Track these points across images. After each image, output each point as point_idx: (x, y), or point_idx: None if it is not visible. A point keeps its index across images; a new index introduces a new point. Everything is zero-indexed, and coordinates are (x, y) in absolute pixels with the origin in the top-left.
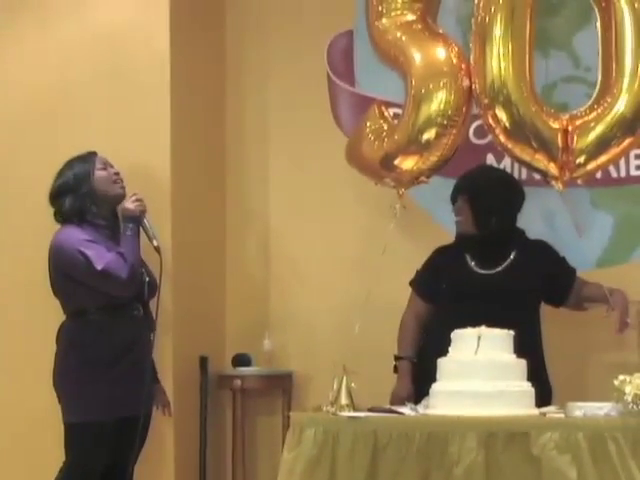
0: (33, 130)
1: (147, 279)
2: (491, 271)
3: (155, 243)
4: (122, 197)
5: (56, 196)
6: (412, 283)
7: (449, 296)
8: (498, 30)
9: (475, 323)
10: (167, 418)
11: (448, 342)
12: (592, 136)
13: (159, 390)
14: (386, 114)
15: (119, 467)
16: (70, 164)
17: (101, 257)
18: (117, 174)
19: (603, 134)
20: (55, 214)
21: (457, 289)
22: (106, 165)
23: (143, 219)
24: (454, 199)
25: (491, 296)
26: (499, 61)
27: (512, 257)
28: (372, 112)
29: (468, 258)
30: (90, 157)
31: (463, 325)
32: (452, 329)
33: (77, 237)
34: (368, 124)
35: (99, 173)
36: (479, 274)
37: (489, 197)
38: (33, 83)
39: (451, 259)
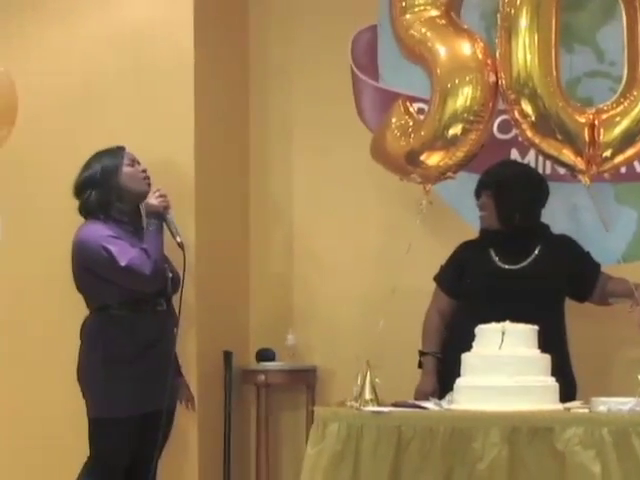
0: (57, 127)
1: (170, 275)
2: (515, 266)
3: (178, 239)
4: (147, 194)
5: (82, 188)
6: (436, 278)
7: (473, 291)
8: (524, 23)
9: (499, 318)
10: (191, 413)
11: (472, 337)
12: (619, 129)
13: (183, 385)
14: (411, 110)
15: (143, 462)
16: (98, 157)
17: (125, 253)
18: (144, 171)
19: (630, 127)
20: (80, 207)
21: (481, 284)
22: (134, 162)
23: (167, 215)
24: (478, 194)
25: (515, 291)
26: (525, 55)
27: (536, 252)
28: (397, 108)
29: (492, 253)
30: (119, 152)
31: (487, 320)
32: (476, 324)
33: (101, 233)
34: (393, 120)
35: (127, 169)
36: (503, 269)
37: (513, 192)
38: (57, 80)
39: (475, 254)
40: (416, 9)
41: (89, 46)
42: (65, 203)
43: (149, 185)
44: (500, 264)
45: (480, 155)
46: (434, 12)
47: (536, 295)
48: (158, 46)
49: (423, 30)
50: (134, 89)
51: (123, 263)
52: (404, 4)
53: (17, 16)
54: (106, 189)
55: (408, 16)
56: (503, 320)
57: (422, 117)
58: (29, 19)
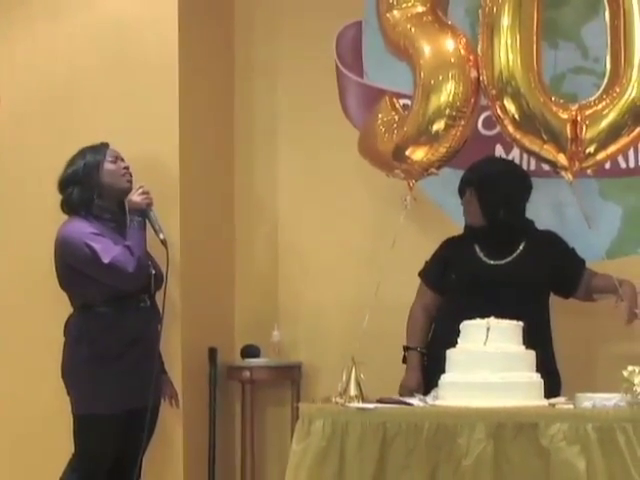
0: (42, 120)
1: (153, 272)
2: (500, 262)
3: (161, 236)
4: (128, 191)
5: (65, 185)
6: (421, 274)
7: (458, 287)
8: (506, 20)
9: (484, 314)
10: (176, 410)
11: (457, 333)
12: (602, 125)
13: (166, 381)
14: (397, 106)
15: (127, 459)
16: (82, 153)
17: (108, 250)
18: (126, 168)
19: (613, 123)
20: (62, 203)
21: (466, 280)
22: (116, 158)
23: (149, 212)
24: (462, 191)
25: (500, 287)
26: (507, 52)
27: (521, 248)
28: (384, 104)
29: (477, 249)
30: (102, 148)
31: (472, 316)
32: (461, 320)
33: (84, 230)
34: (380, 116)
35: (108, 166)
36: (488, 265)
37: (496, 188)
38: (43, 73)
39: (460, 250)
40: (403, 5)
41: (74, 43)
42: (48, 200)
43: (130, 182)
44: (485, 259)
45: (465, 151)
46: (420, 8)
47: (521, 290)
48: (143, 43)
49: (408, 26)
50: (119, 86)
51: (106, 260)
52: (391, 0)
53: (3, 13)
54: (87, 186)
55: (395, 12)
56: (488, 316)
57: (406, 113)
58: (16, 16)
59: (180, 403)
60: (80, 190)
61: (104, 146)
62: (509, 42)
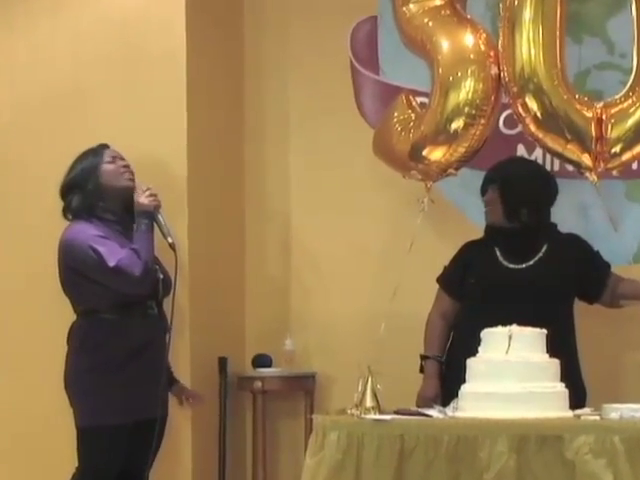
0: (44, 120)
1: (161, 276)
2: (521, 266)
3: (170, 240)
4: (131, 189)
5: (66, 192)
6: (439, 279)
7: (478, 293)
8: (528, 14)
9: (505, 321)
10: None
11: (477, 341)
12: (628, 124)
13: (181, 388)
14: (414, 104)
15: (133, 473)
16: (81, 157)
17: (113, 253)
18: (126, 167)
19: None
20: (63, 211)
21: (486, 285)
22: (115, 158)
23: (157, 215)
24: (484, 190)
25: (521, 292)
26: (529, 47)
27: (543, 251)
28: (400, 102)
29: (498, 253)
30: (100, 150)
31: (493, 323)
32: (481, 327)
33: (88, 233)
34: (396, 114)
35: (106, 166)
36: (509, 269)
37: (520, 187)
38: (45, 72)
39: (480, 254)
40: None
41: (77, 39)
42: (50, 202)
43: (132, 180)
44: (505, 263)
45: (485, 151)
46: (438, 1)
47: (542, 296)
48: (149, 38)
49: (426, 20)
50: (124, 84)
51: (112, 264)
52: None
53: (5, 8)
54: (87, 192)
55: (411, 6)
56: (509, 323)
57: (424, 111)
58: (17, 11)
59: (189, 415)
60: (80, 196)
61: (103, 147)
62: (531, 37)
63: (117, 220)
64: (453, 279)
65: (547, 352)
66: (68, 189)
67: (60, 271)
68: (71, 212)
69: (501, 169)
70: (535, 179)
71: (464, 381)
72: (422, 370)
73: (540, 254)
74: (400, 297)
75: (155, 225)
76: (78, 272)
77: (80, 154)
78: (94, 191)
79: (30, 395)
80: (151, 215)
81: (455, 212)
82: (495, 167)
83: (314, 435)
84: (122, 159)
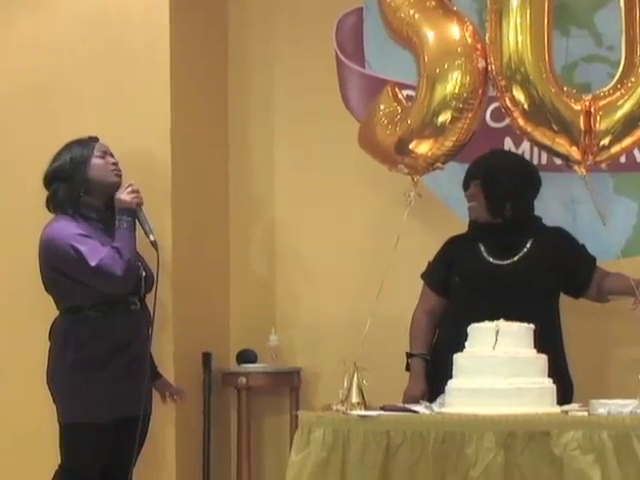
0: (27, 115)
1: (144, 273)
2: (506, 261)
3: (152, 237)
4: (118, 186)
5: (51, 180)
6: (424, 276)
7: (463, 289)
8: (515, 5)
9: (491, 317)
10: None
11: (463, 337)
12: (616, 117)
13: (164, 383)
14: (400, 96)
15: (117, 470)
16: (69, 147)
17: (95, 252)
18: (115, 164)
19: (628, 114)
20: (47, 200)
21: (470, 281)
22: (105, 153)
23: (139, 212)
24: (466, 185)
25: (506, 288)
26: (516, 38)
27: (528, 246)
28: (385, 94)
29: (482, 248)
30: (90, 143)
31: (478, 319)
32: (467, 323)
33: (70, 231)
34: (381, 107)
35: (96, 161)
36: (493, 264)
37: (503, 182)
38: (27, 66)
39: (464, 249)
40: None
41: (59, 31)
42: (33, 198)
43: (120, 177)
44: (490, 259)
45: (472, 144)
46: None
47: (528, 292)
48: (132, 31)
49: (411, 12)
50: (107, 79)
51: (93, 263)
52: None
53: None
54: (74, 182)
55: None
56: (495, 319)
57: (410, 104)
58: None
59: (173, 411)
60: (66, 186)
61: (92, 140)
62: (518, 29)
63: (99, 217)
64: (437, 276)
65: (534, 347)
66: (54, 178)
67: (42, 269)
68: (55, 203)
69: (483, 163)
70: (517, 173)
71: (450, 377)
72: (408, 368)
73: (525, 249)
74: (386, 293)
75: (137, 222)
76: (59, 271)
77: (67, 143)
78: (80, 183)
79: (12, 392)
80: (133, 212)
81: (442, 206)
82: (477, 161)
83: (299, 431)
84: (112, 155)
